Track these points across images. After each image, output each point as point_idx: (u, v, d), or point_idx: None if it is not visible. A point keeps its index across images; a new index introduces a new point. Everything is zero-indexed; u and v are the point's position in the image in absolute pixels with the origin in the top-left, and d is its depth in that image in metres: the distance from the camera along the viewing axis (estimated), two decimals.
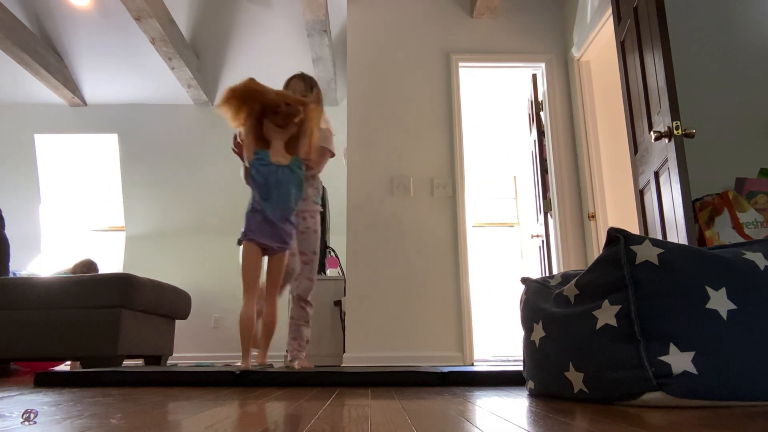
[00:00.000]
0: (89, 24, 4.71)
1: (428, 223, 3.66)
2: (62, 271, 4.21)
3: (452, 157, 3.77)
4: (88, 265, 4.26)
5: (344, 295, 3.79)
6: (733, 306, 1.11)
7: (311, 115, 2.49)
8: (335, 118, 5.26)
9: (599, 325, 1.18)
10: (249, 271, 2.39)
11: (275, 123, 2.44)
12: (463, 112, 4.99)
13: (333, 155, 2.91)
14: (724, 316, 1.10)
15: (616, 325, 1.15)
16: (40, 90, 5.24)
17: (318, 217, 2.88)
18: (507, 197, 6.46)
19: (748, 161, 2.66)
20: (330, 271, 4.28)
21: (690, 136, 2.22)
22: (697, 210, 2.43)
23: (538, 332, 1.40)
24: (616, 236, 1.20)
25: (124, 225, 5.45)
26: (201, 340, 5.10)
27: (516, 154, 6.19)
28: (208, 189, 5.35)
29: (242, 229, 2.42)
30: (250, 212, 2.43)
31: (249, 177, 2.46)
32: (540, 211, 4.08)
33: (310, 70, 5.09)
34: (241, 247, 2.43)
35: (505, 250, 6.23)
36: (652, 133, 2.29)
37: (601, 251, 1.28)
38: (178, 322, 4.18)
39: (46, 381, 2.06)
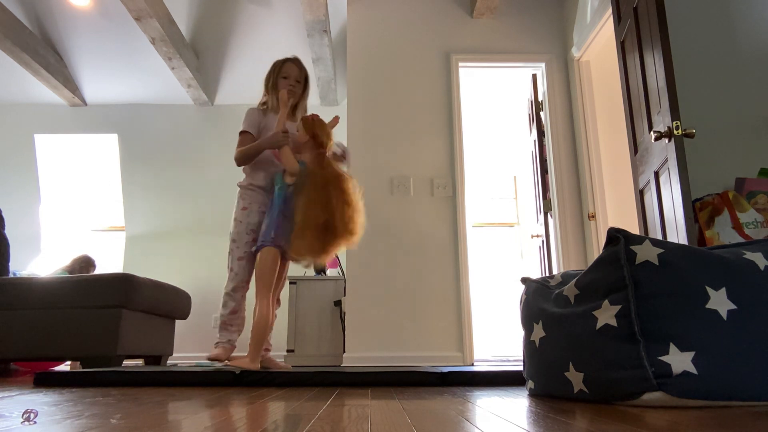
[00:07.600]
0: (89, 24, 4.71)
1: (428, 223, 3.66)
2: (60, 269, 4.20)
3: (452, 157, 3.77)
4: (86, 261, 4.25)
5: (344, 295, 3.79)
6: (733, 306, 1.11)
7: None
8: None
9: (599, 325, 1.18)
10: (269, 276, 2.44)
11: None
12: (463, 112, 4.98)
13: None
14: (724, 316, 1.10)
15: (616, 325, 1.15)
16: (40, 90, 5.24)
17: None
18: (507, 197, 6.46)
19: (748, 161, 2.66)
20: (330, 271, 4.28)
21: (690, 136, 2.22)
22: (697, 210, 2.43)
23: (538, 332, 1.40)
24: (616, 236, 1.20)
25: (124, 225, 5.45)
26: (201, 340, 5.09)
27: (516, 154, 6.19)
28: (208, 189, 5.35)
29: (268, 234, 2.44)
30: (276, 217, 2.45)
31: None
32: (540, 211, 4.08)
33: (310, 71, 5.09)
34: (261, 252, 2.45)
35: (505, 250, 6.23)
36: (652, 133, 2.29)
37: (601, 251, 1.28)
38: (178, 322, 4.18)
39: (46, 381, 2.06)
